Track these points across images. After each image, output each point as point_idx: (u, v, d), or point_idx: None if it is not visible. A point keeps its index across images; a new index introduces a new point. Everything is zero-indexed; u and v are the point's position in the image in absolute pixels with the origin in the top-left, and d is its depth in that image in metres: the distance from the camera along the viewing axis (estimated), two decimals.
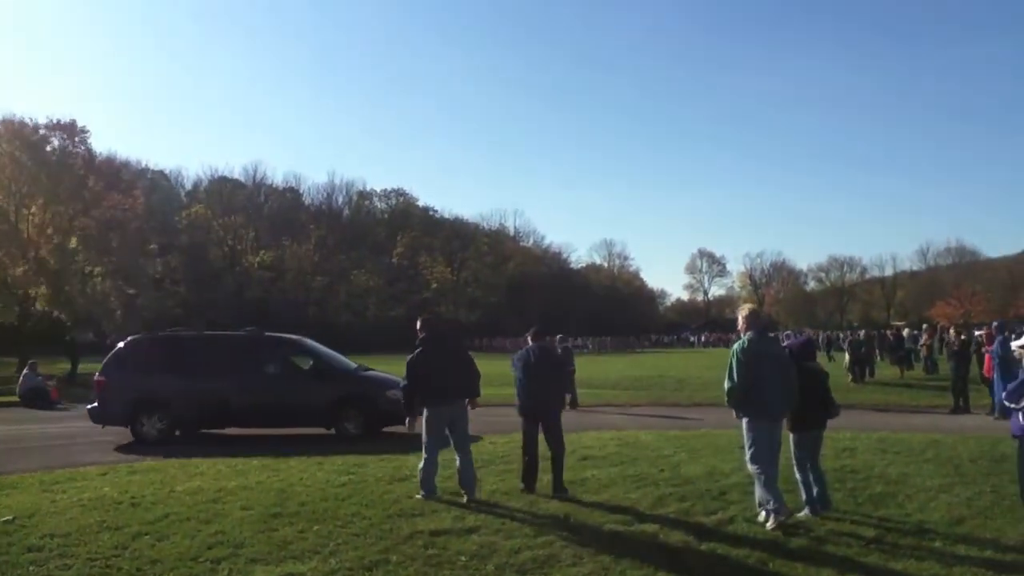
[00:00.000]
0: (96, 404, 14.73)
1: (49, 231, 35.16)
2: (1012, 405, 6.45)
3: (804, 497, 7.52)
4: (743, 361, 7.13)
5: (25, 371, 24.47)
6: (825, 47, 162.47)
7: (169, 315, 51.99)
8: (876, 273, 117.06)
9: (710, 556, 6.30)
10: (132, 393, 14.39)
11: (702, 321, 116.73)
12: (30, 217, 35.12)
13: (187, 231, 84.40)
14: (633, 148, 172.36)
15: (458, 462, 8.38)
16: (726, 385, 7.29)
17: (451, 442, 8.48)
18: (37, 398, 23.07)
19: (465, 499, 8.21)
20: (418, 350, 8.50)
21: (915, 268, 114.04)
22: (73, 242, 35.08)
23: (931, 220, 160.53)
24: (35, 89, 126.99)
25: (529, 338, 9.23)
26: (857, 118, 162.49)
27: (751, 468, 7.23)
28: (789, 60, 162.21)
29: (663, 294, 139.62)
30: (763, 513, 7.14)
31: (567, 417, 16.57)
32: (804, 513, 7.45)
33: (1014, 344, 7.12)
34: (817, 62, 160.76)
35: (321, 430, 14.45)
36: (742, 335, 7.42)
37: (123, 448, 13.72)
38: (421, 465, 8.43)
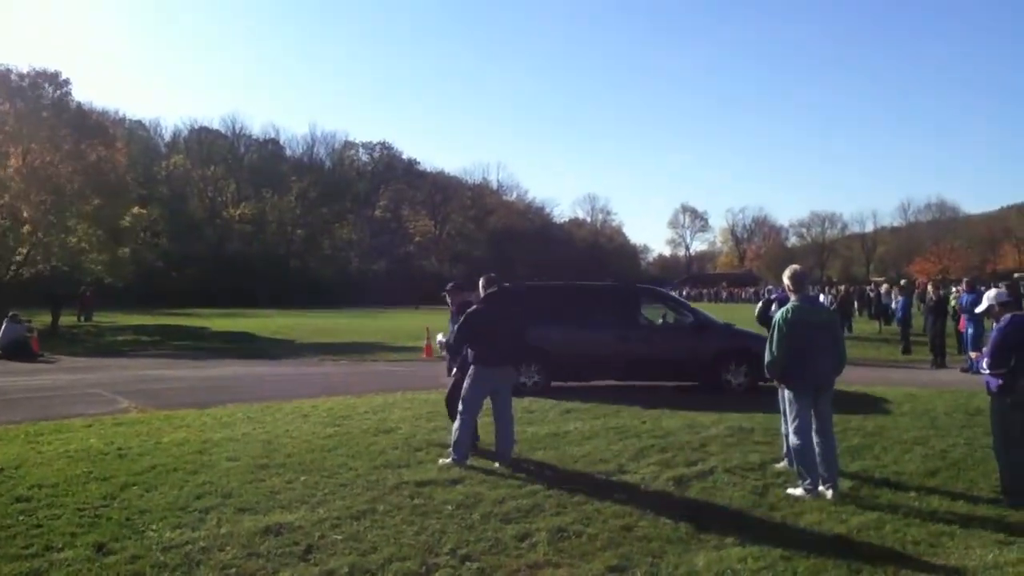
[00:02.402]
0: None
1: (25, 185, 34.59)
2: (987, 371, 6.55)
3: (784, 450, 7.65)
4: (787, 331, 6.82)
5: (6, 323, 24.27)
6: (810, 3, 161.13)
7: (151, 267, 51.67)
8: (857, 229, 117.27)
9: (690, 506, 6.44)
10: None
11: (684, 276, 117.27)
12: (9, 169, 34.56)
13: (167, 183, 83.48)
14: (617, 103, 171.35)
15: (496, 429, 8.14)
16: (767, 357, 7.03)
17: (493, 407, 8.22)
18: (19, 350, 22.92)
19: (497, 465, 7.82)
20: (481, 305, 8.18)
21: (896, 224, 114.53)
22: (54, 193, 34.56)
23: (912, 176, 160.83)
24: (5, 37, 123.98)
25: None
26: (840, 74, 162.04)
27: (793, 441, 6.89)
28: (773, 16, 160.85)
29: (645, 249, 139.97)
30: (800, 489, 6.77)
31: None
32: (783, 464, 7.60)
33: (987, 295, 7.10)
34: (801, 16, 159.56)
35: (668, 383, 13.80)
36: (790, 297, 7.11)
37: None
38: (457, 425, 7.98)
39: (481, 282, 8.41)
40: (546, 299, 14.73)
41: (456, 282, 9.39)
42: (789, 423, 7.02)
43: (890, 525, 5.85)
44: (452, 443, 7.98)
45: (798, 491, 6.76)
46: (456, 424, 8.03)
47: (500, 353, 8.09)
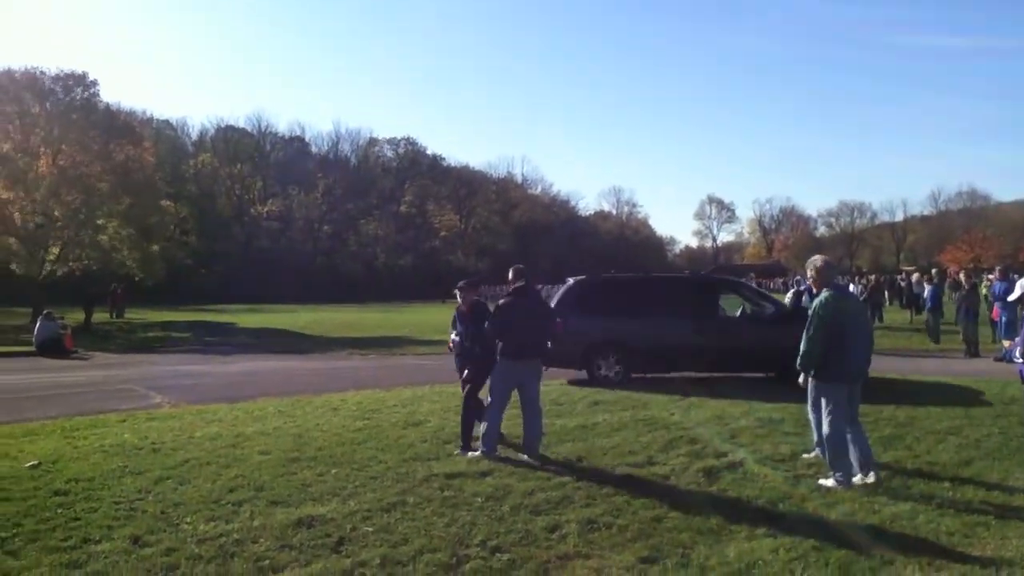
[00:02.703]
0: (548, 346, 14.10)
1: (56, 185, 35.14)
2: (1020, 360, 6.46)
3: (815, 440, 7.59)
4: (826, 321, 6.69)
5: (40, 321, 24.64)
6: None
7: (181, 266, 52.23)
8: (886, 218, 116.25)
9: (720, 498, 6.42)
10: (591, 335, 13.67)
11: (711, 268, 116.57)
12: (40, 169, 35.10)
13: (195, 181, 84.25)
14: (642, 94, 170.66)
15: (524, 422, 8.12)
16: (804, 347, 6.82)
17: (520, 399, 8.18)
18: (54, 348, 23.27)
19: (525, 457, 7.86)
20: (509, 298, 8.12)
21: (926, 213, 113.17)
22: (84, 193, 35.06)
23: (943, 164, 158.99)
24: (36, 40, 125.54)
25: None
26: (869, 61, 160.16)
27: (827, 431, 6.76)
28: (800, 4, 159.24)
29: (672, 241, 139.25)
30: (831, 480, 6.72)
31: None
32: (814, 455, 7.53)
33: (1020, 283, 6.99)
34: (828, 3, 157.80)
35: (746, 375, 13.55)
36: (815, 290, 7.05)
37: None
38: (485, 418, 8.03)
39: (510, 274, 8.38)
40: (623, 291, 14.55)
41: (468, 280, 9.09)
42: (824, 413, 6.88)
43: (923, 516, 5.79)
44: (481, 436, 8.01)
45: (829, 482, 6.70)
46: (485, 416, 8.05)
47: (527, 346, 8.08)
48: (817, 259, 7.17)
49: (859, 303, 7.57)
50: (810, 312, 6.91)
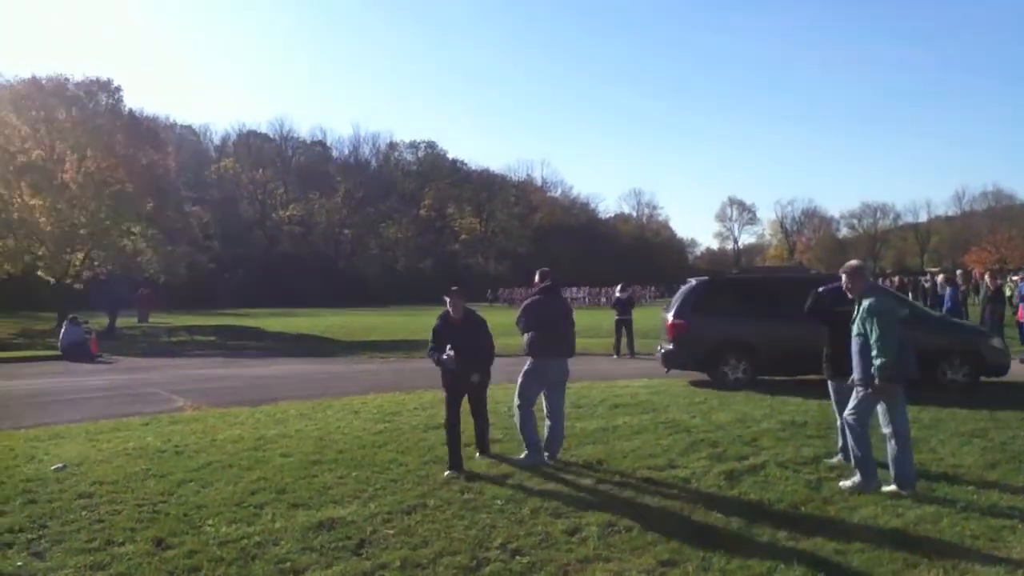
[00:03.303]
0: (671, 348, 13.74)
1: (81, 191, 35.54)
2: None
3: (840, 444, 7.53)
4: (894, 323, 6.44)
5: (66, 325, 24.88)
6: None
7: (204, 269, 52.64)
8: (910, 219, 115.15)
9: (742, 501, 6.39)
10: (715, 337, 13.35)
11: (733, 270, 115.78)
12: (64, 175, 35.50)
13: (217, 186, 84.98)
14: (662, 95, 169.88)
15: (548, 423, 8.04)
16: (883, 358, 6.35)
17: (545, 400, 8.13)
18: (79, 352, 23.48)
19: (546, 456, 7.87)
20: (536, 297, 8.12)
21: (950, 213, 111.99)
22: (109, 199, 35.44)
23: (967, 164, 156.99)
24: (60, 47, 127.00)
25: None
26: (891, 59, 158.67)
27: (858, 432, 6.61)
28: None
29: (693, 243, 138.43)
30: (855, 478, 6.66)
31: (609, 364, 16.96)
32: (837, 459, 7.47)
33: None
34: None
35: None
36: (851, 295, 6.86)
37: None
38: (517, 420, 7.98)
39: (536, 277, 8.37)
40: (749, 292, 14.12)
41: (460, 287, 8.19)
42: (851, 411, 6.69)
43: (948, 519, 5.73)
44: (525, 443, 7.86)
45: (850, 483, 6.65)
46: (517, 422, 7.98)
47: (559, 346, 8.06)
48: (850, 265, 7.00)
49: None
50: (873, 317, 6.52)
